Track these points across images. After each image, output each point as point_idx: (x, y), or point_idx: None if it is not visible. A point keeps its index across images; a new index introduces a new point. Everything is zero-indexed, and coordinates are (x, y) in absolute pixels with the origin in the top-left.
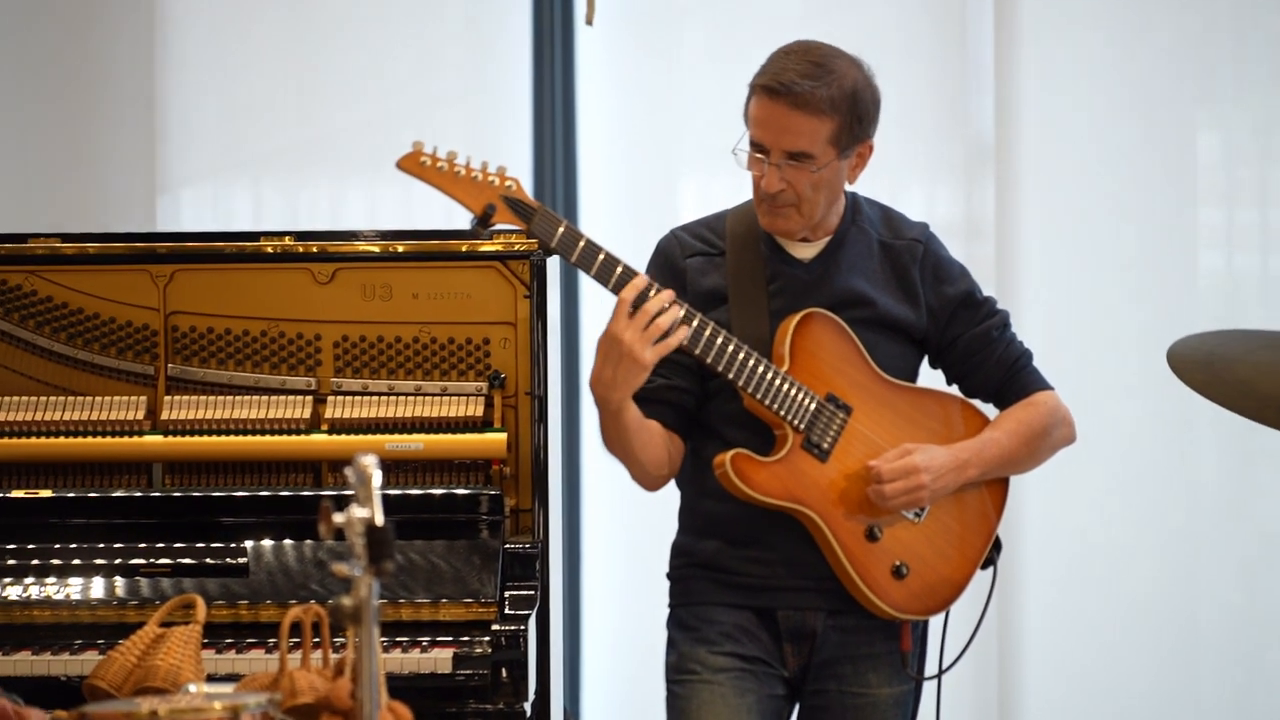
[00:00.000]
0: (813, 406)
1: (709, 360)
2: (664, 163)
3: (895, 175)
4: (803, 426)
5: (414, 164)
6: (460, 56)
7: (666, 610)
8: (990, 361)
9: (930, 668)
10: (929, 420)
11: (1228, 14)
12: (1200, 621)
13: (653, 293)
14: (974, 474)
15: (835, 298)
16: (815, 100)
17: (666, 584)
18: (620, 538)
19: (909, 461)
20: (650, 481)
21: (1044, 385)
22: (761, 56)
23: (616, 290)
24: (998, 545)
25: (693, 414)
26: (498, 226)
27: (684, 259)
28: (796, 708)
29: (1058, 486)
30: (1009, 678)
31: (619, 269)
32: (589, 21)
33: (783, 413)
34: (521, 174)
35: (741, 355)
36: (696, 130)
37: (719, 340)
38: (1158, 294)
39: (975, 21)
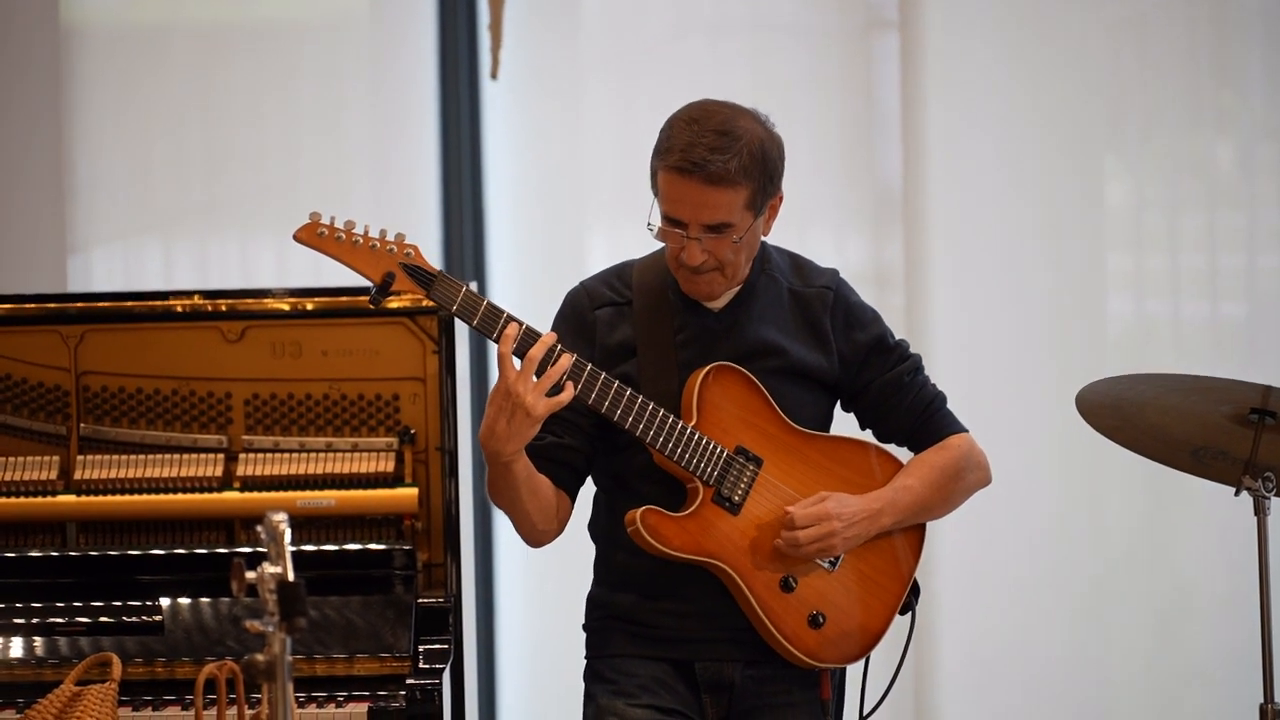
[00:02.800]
0: (722, 460)
1: (615, 417)
2: (572, 215)
3: (803, 224)
4: (712, 480)
5: (311, 235)
6: (367, 113)
7: (583, 662)
8: (903, 406)
9: (850, 715)
10: (841, 468)
11: (1135, 59)
12: (1114, 667)
13: (552, 352)
14: (888, 522)
15: (746, 348)
16: (729, 174)
17: (582, 636)
18: (535, 590)
19: (822, 508)
20: (535, 536)
21: (958, 428)
22: (669, 107)
23: (520, 354)
24: (915, 590)
25: (583, 473)
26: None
27: (593, 310)
28: None
29: (972, 533)
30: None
31: (522, 329)
32: (494, 76)
33: (691, 467)
34: (430, 229)
35: (649, 411)
36: (604, 182)
37: (625, 396)
38: (1067, 340)
39: (881, 70)
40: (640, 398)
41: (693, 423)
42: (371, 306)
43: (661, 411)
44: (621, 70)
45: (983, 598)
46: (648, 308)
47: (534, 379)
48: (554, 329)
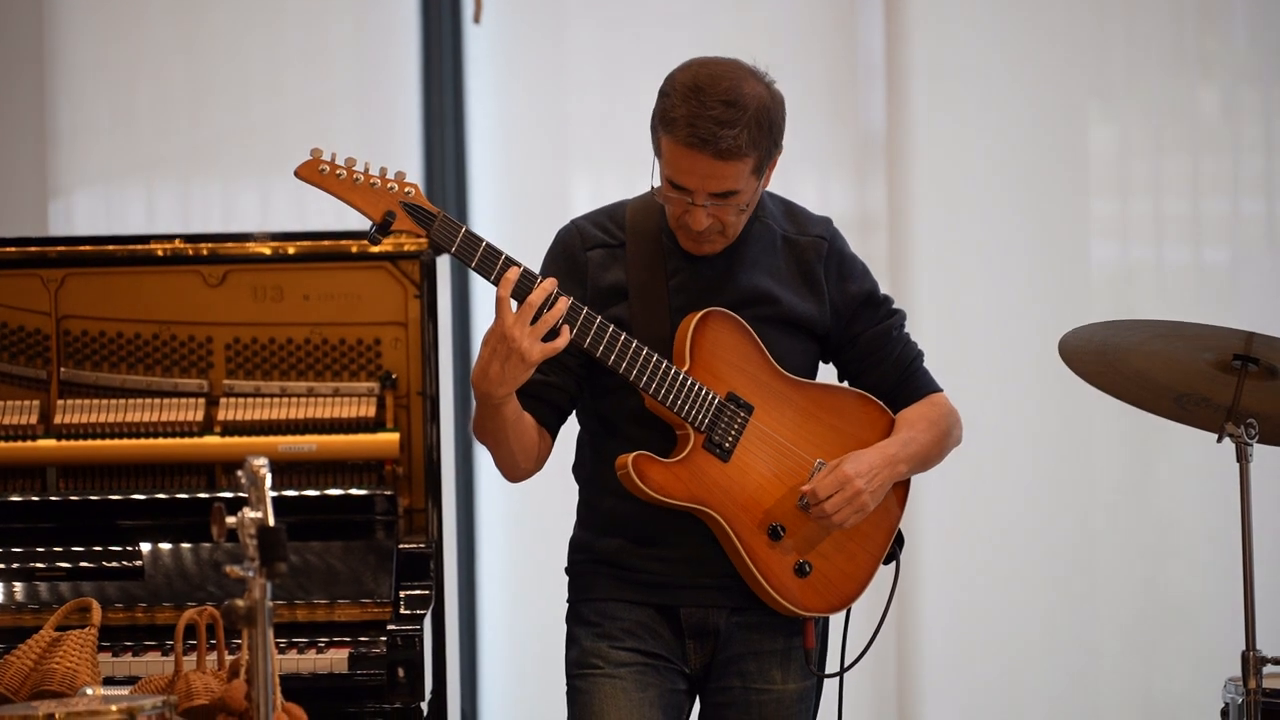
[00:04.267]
0: (714, 406)
1: (610, 361)
2: (555, 160)
3: (788, 169)
4: (704, 427)
5: (312, 172)
6: (349, 57)
7: (565, 605)
8: (889, 361)
9: (831, 665)
10: (830, 416)
11: (1119, 4)
12: (1100, 614)
13: (550, 296)
14: (904, 470)
15: (739, 295)
16: (738, 148)
17: (564, 579)
18: (516, 535)
19: (840, 473)
20: (516, 474)
21: (936, 386)
22: (652, 53)
23: (519, 297)
24: (900, 540)
25: (566, 413)
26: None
27: (585, 251)
28: (698, 704)
29: (955, 481)
30: (908, 676)
31: (519, 270)
32: (477, 20)
33: (683, 413)
34: (412, 173)
35: (643, 355)
36: (587, 127)
37: (620, 340)
38: (1051, 285)
39: (865, 15)
40: (635, 342)
41: (685, 368)
42: (370, 245)
43: (655, 356)
44: (605, 16)
45: (967, 544)
46: (641, 251)
47: (530, 323)
48: (544, 268)
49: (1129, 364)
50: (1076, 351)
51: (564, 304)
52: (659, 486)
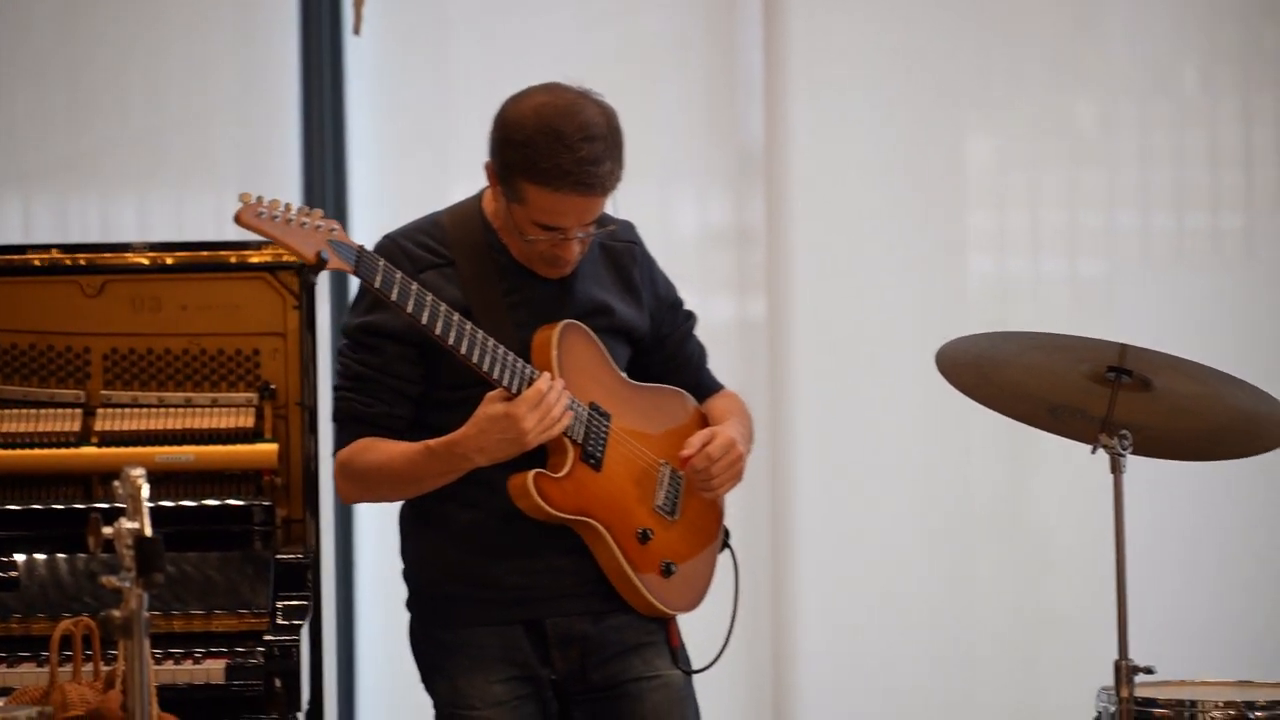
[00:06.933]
0: (586, 418)
1: (494, 375)
2: (434, 170)
3: (666, 182)
4: (580, 439)
5: (252, 217)
6: (229, 68)
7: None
8: (692, 361)
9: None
10: (663, 417)
11: (999, 17)
12: (976, 622)
13: (552, 388)
14: (747, 450)
15: (578, 308)
16: (615, 179)
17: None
18: (393, 546)
19: (725, 437)
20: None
21: (721, 383)
22: (534, 65)
23: (429, 324)
24: (726, 531)
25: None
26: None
27: (416, 274)
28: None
29: (833, 492)
30: (784, 686)
31: (429, 301)
32: (357, 31)
33: (568, 429)
34: (291, 183)
35: (520, 370)
36: (467, 137)
37: (500, 355)
38: (928, 297)
39: (744, 29)
40: (513, 356)
41: None
42: (312, 278)
43: (530, 370)
44: (485, 28)
45: (844, 556)
46: (473, 269)
47: (542, 419)
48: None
49: (1005, 376)
50: (953, 363)
51: (565, 398)
52: (555, 502)
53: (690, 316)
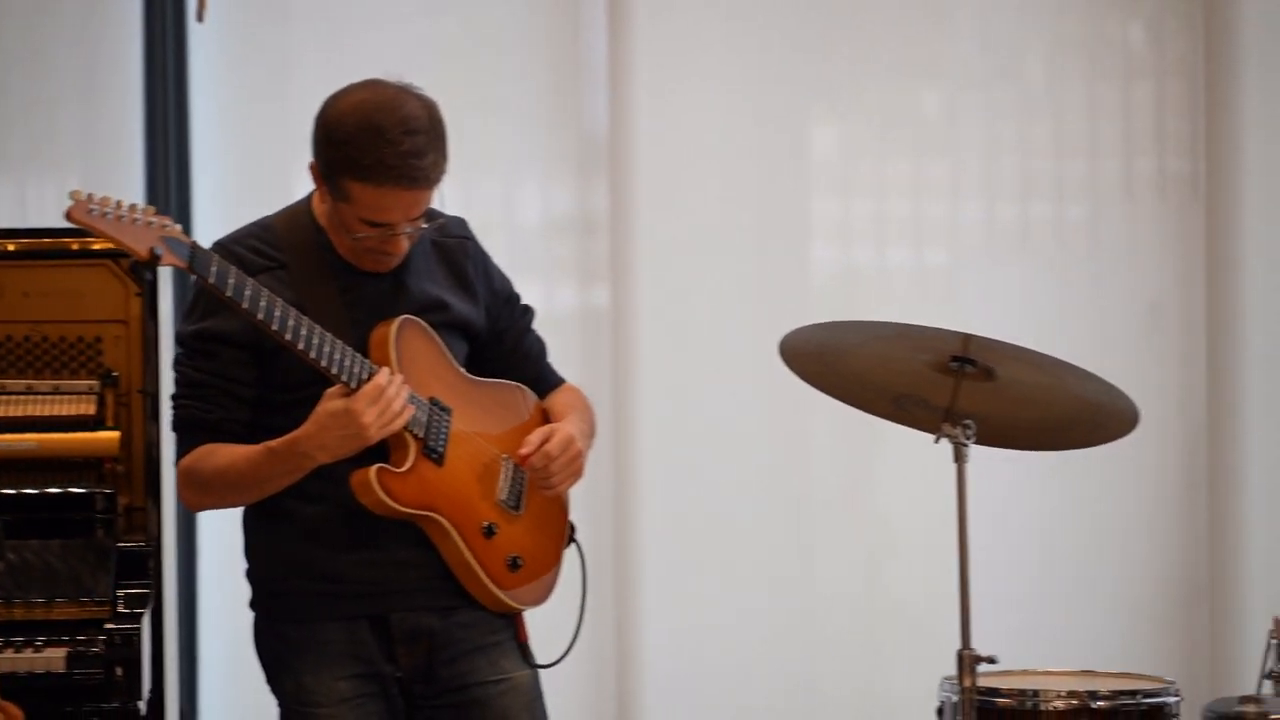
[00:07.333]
0: (428, 413)
1: (343, 376)
2: (278, 159)
3: (509, 171)
4: (422, 434)
5: (83, 214)
6: (71, 56)
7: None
8: (531, 356)
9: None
10: (503, 411)
11: (846, 6)
12: (820, 613)
13: (391, 382)
14: (587, 445)
15: (414, 304)
16: (439, 172)
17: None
18: (236, 534)
19: (565, 434)
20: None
21: (562, 377)
22: (378, 54)
23: (265, 320)
24: (572, 526)
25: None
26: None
27: (253, 276)
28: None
29: (676, 481)
30: (628, 677)
31: (264, 296)
32: (200, 19)
33: (410, 423)
34: (134, 171)
35: (360, 364)
36: (311, 126)
37: (339, 351)
38: (772, 286)
39: (588, 16)
40: (350, 351)
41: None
42: (139, 278)
43: (369, 365)
44: (330, 15)
45: (687, 545)
46: (306, 270)
47: (382, 413)
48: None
49: (848, 365)
50: (796, 352)
51: (405, 390)
52: (398, 497)
53: (528, 311)
